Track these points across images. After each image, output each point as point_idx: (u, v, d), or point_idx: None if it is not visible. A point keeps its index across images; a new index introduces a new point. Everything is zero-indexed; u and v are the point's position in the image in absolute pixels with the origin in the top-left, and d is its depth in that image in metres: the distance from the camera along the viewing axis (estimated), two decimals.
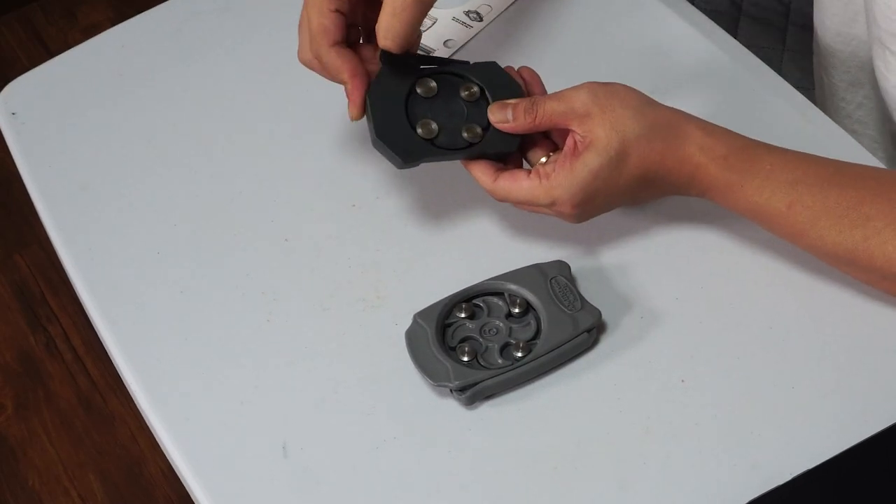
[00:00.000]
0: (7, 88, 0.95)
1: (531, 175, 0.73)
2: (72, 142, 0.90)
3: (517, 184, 0.74)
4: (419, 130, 0.75)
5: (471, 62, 0.78)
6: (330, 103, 0.89)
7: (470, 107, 0.77)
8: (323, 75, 0.78)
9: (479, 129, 0.76)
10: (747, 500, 0.66)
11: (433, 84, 0.77)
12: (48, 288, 1.85)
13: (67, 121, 0.92)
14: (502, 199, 0.75)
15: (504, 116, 0.75)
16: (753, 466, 0.69)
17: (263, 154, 0.88)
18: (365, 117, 0.76)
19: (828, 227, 0.71)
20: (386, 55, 0.76)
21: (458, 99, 0.77)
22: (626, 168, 0.72)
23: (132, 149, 0.89)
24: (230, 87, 0.93)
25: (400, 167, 0.75)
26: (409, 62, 0.77)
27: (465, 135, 0.75)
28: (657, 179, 0.73)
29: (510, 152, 0.76)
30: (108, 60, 0.96)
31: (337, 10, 0.75)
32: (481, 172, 0.75)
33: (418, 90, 0.76)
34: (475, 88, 0.77)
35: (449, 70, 0.78)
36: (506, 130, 0.75)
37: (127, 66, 0.95)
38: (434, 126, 0.75)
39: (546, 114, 0.74)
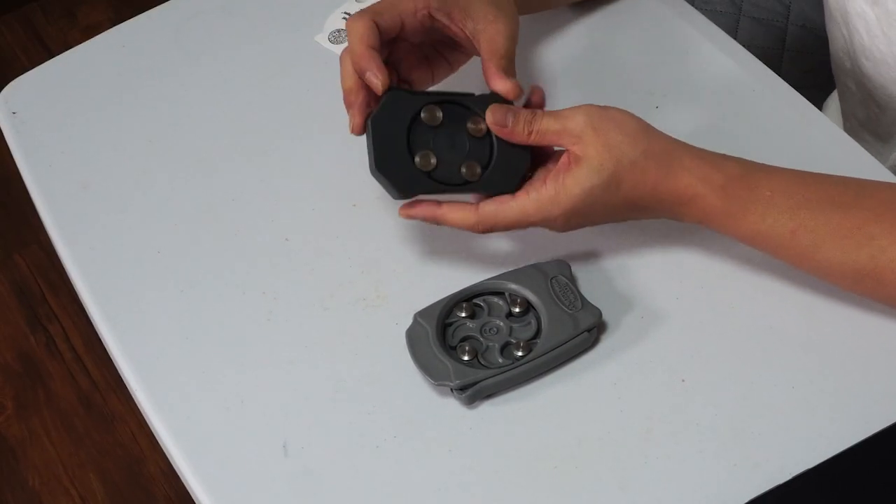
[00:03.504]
0: (7, 88, 0.95)
1: (517, 195, 0.73)
2: (72, 142, 0.90)
3: (504, 206, 0.73)
4: (417, 160, 0.74)
5: (475, 94, 0.76)
6: (330, 103, 0.89)
7: (473, 143, 0.75)
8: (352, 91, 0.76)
9: (478, 169, 0.74)
10: (747, 500, 0.66)
11: (439, 113, 0.75)
12: (48, 288, 1.85)
13: (67, 121, 0.92)
14: (489, 229, 0.74)
15: (504, 119, 0.74)
16: (753, 466, 0.69)
17: (263, 154, 0.88)
18: (365, 136, 0.75)
19: (833, 250, 0.70)
20: (390, 92, 0.74)
21: (463, 133, 0.75)
22: (619, 191, 0.72)
23: (132, 149, 0.89)
24: (230, 87, 0.93)
25: (395, 198, 0.74)
26: (416, 96, 0.75)
27: (463, 171, 0.74)
28: (649, 206, 0.73)
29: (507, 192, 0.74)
30: (108, 60, 0.96)
31: (376, 23, 0.75)
32: (458, 212, 0.73)
33: (423, 116, 0.74)
34: (483, 125, 0.75)
35: (457, 100, 0.76)
36: (500, 135, 0.74)
37: (127, 66, 0.95)
38: (433, 160, 0.74)
39: (542, 131, 0.73)
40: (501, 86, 0.75)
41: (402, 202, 0.76)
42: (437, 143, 0.75)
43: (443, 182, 0.74)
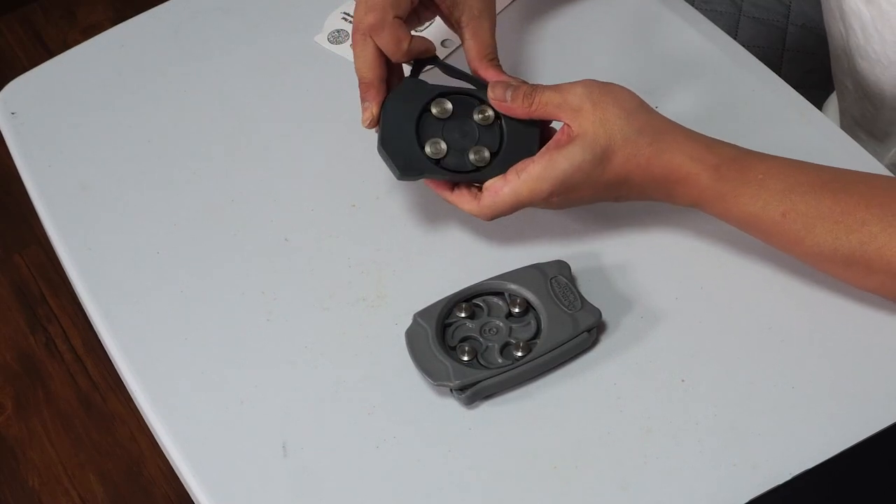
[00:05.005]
0: (7, 88, 0.95)
1: (507, 177, 0.74)
2: (72, 142, 0.90)
3: (498, 195, 0.74)
4: (427, 149, 0.75)
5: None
6: (330, 103, 0.89)
7: (483, 131, 0.77)
8: (364, 48, 0.77)
9: (486, 154, 0.76)
10: (747, 500, 0.66)
11: (448, 105, 0.77)
12: (48, 288, 1.85)
13: (67, 121, 0.92)
14: (493, 217, 0.76)
15: (503, 95, 0.76)
16: (753, 466, 0.69)
17: (263, 154, 0.88)
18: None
19: (823, 234, 0.70)
20: (407, 80, 0.78)
21: (472, 121, 0.77)
22: (609, 167, 0.72)
23: (132, 149, 0.89)
24: (230, 87, 0.93)
25: (398, 178, 0.76)
26: (430, 85, 0.77)
27: (471, 157, 0.76)
28: (641, 183, 0.74)
29: None
30: (108, 60, 0.96)
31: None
32: (465, 201, 0.76)
33: (433, 109, 0.76)
34: (490, 112, 0.77)
35: (468, 91, 0.78)
36: (500, 110, 0.76)
37: (127, 66, 0.95)
38: (443, 146, 0.76)
39: (542, 103, 0.74)
40: (500, 81, 0.77)
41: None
42: (447, 131, 0.77)
43: (453, 170, 0.76)
